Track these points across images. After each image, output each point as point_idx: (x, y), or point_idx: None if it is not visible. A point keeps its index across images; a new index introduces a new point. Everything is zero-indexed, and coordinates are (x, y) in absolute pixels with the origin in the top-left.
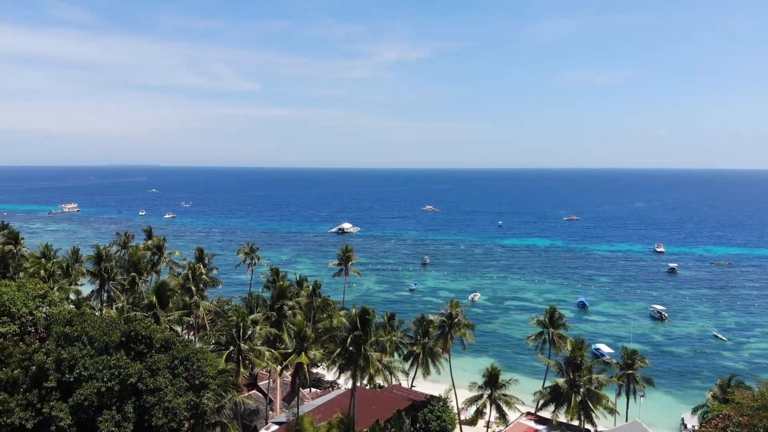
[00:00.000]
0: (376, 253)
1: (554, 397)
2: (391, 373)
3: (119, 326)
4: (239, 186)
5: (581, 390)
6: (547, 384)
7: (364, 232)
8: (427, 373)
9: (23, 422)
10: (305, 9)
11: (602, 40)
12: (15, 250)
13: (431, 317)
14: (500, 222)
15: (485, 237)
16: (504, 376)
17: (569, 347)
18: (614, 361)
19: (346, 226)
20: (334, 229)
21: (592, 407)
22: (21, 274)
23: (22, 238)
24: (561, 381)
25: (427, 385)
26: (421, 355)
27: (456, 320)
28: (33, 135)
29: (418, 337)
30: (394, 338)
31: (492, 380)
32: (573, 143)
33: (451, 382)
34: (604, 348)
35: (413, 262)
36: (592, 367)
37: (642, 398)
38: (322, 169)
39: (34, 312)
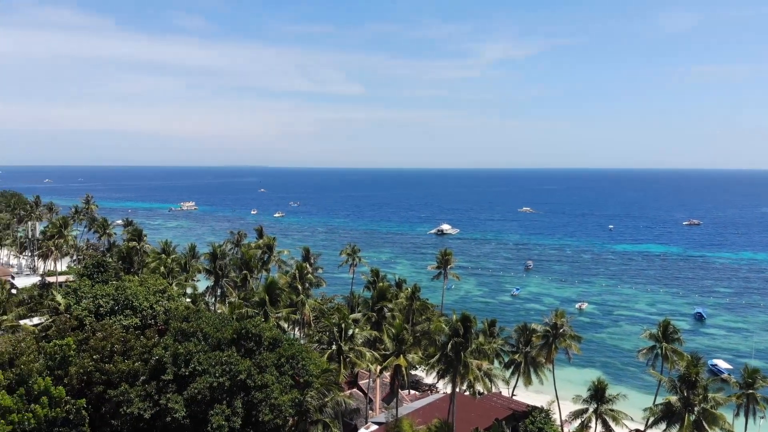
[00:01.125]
0: (476, 256)
1: (666, 415)
2: (491, 381)
3: (231, 324)
4: (342, 186)
5: (696, 409)
6: (659, 401)
7: (463, 233)
8: (528, 382)
9: (141, 412)
10: (409, 11)
11: (726, 33)
12: (138, 247)
13: (534, 326)
14: (611, 226)
15: (594, 242)
16: (611, 390)
17: (683, 363)
18: (733, 378)
19: (446, 227)
20: (433, 231)
21: (707, 428)
22: (143, 270)
23: (145, 235)
24: (674, 398)
25: (528, 395)
26: (522, 364)
27: (561, 330)
28: (155, 137)
29: (520, 345)
30: (494, 345)
31: (598, 394)
32: (694, 141)
33: (555, 393)
34: (722, 364)
35: (515, 266)
36: (708, 384)
37: (762, 420)
38: (422, 170)
39: (155, 306)
